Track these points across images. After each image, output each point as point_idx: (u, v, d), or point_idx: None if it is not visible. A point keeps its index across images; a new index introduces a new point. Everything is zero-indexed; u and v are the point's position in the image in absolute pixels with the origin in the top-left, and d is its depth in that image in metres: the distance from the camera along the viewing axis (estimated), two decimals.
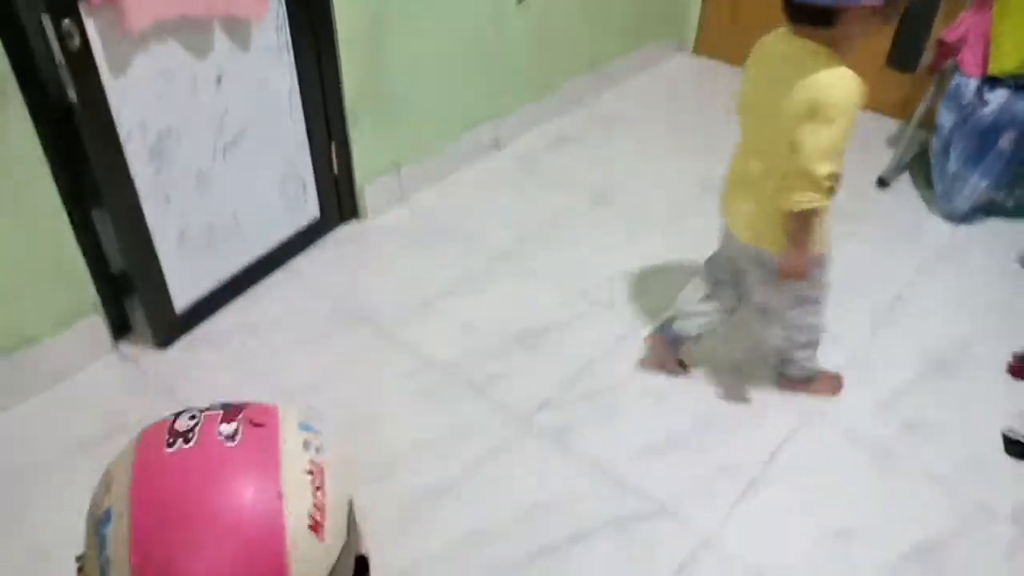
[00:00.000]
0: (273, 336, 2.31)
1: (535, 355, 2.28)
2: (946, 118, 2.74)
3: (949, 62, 2.73)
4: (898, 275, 2.61)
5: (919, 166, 3.07)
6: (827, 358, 2.16)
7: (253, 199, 2.37)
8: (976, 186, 2.76)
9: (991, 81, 2.62)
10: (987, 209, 2.86)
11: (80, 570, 0.66)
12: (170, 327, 2.24)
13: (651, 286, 2.52)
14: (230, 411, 0.68)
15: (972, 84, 2.65)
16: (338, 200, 2.67)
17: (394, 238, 2.72)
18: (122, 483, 0.64)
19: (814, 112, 1.55)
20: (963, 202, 2.81)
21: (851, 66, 1.57)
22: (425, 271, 2.57)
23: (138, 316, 2.22)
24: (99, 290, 2.14)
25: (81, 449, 1.94)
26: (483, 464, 1.97)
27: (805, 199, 1.62)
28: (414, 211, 2.84)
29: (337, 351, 2.28)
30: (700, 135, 3.26)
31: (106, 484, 0.65)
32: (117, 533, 0.61)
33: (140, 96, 1.93)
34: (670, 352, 2.18)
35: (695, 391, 2.18)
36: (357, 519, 0.74)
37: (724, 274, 2.03)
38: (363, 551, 0.74)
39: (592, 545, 1.80)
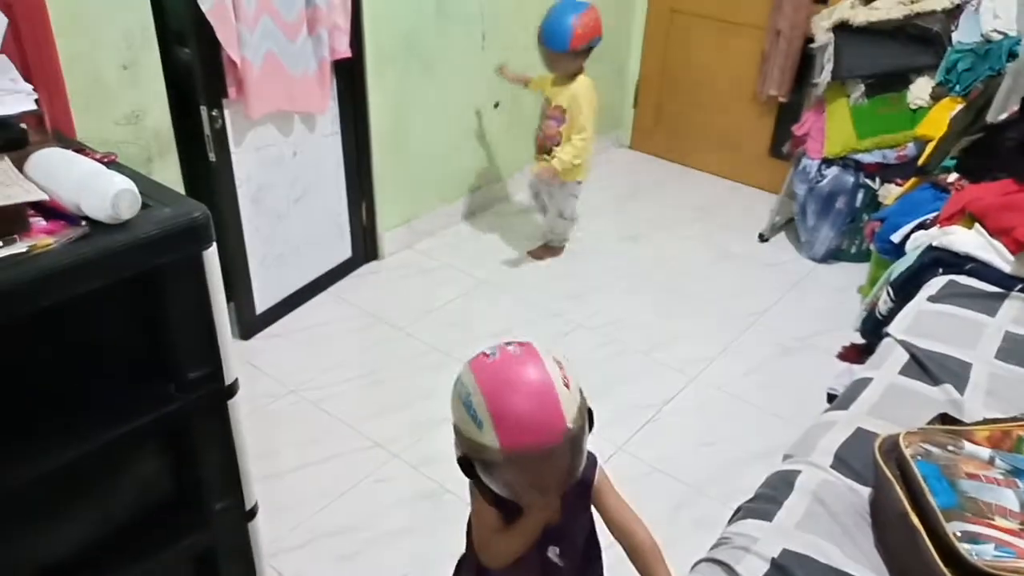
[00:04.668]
0: (322, 332, 3.27)
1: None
2: (800, 188, 3.83)
3: (800, 149, 3.85)
4: (771, 296, 3.64)
5: (791, 228, 4.16)
6: (709, 343, 3.18)
7: (310, 238, 3.36)
8: (827, 236, 3.83)
9: (827, 161, 3.73)
10: (837, 254, 3.92)
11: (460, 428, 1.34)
12: (252, 324, 3.19)
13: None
14: (511, 343, 1.36)
15: (815, 164, 3.75)
16: (364, 243, 3.67)
17: (404, 272, 3.72)
18: (469, 375, 1.32)
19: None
20: (819, 248, 3.88)
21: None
22: (425, 293, 3.56)
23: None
24: None
25: None
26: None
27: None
28: (418, 253, 3.85)
29: (366, 340, 3.24)
30: (629, 206, 4.35)
31: (462, 383, 1.34)
32: (476, 399, 1.29)
33: (249, 161, 2.96)
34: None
35: (623, 358, 3.16)
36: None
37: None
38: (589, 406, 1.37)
39: None
